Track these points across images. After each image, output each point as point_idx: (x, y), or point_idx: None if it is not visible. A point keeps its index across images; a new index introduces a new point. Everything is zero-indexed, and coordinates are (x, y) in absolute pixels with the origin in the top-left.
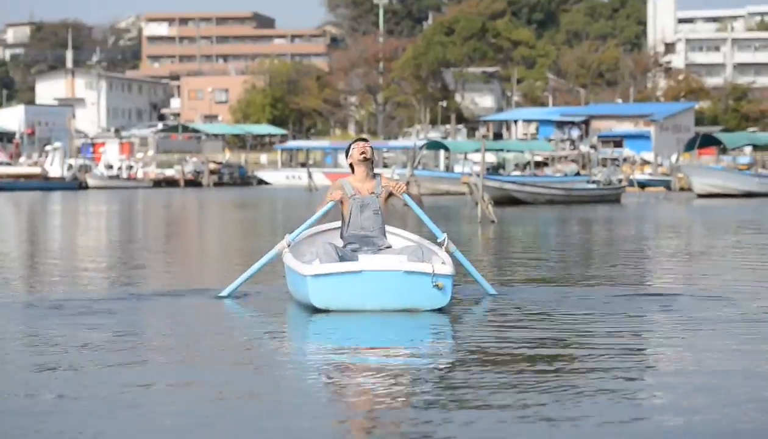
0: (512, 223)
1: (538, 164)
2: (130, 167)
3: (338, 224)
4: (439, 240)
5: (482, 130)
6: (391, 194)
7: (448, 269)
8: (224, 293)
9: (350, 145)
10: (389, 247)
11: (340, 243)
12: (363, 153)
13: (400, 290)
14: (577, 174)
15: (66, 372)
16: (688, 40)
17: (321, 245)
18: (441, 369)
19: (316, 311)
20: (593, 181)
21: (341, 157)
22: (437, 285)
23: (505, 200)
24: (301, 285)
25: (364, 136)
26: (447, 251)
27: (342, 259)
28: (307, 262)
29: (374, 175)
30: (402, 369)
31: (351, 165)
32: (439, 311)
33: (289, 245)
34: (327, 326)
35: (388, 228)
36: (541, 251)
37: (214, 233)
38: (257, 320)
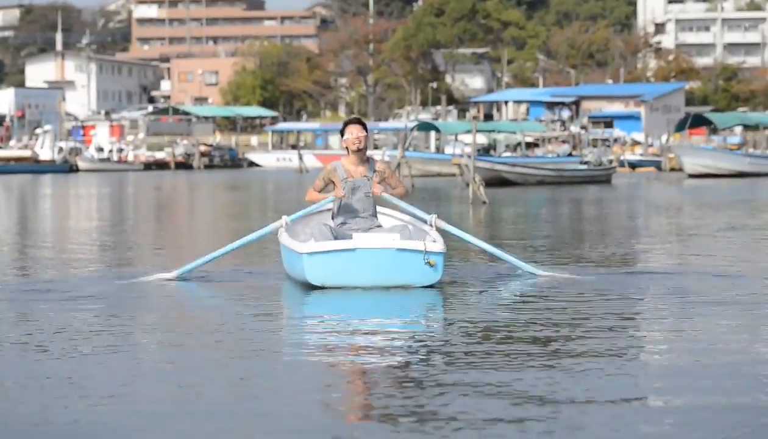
0: (503, 204)
1: (528, 145)
2: (121, 150)
3: (331, 205)
4: (429, 221)
5: (473, 112)
6: (383, 180)
7: (439, 246)
8: (207, 257)
9: (344, 126)
10: (379, 226)
11: (332, 223)
12: (357, 144)
13: (392, 267)
14: (570, 155)
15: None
16: (678, 21)
17: (316, 225)
18: (432, 346)
19: (311, 287)
20: (584, 162)
21: (332, 138)
22: (429, 262)
23: (495, 181)
24: (296, 263)
25: (358, 116)
26: (437, 227)
27: (336, 238)
28: (302, 241)
29: (367, 159)
30: (394, 347)
31: (347, 147)
32: (431, 287)
33: (285, 225)
34: (322, 302)
35: (379, 209)
36: (533, 231)
37: (206, 215)
38: (245, 299)
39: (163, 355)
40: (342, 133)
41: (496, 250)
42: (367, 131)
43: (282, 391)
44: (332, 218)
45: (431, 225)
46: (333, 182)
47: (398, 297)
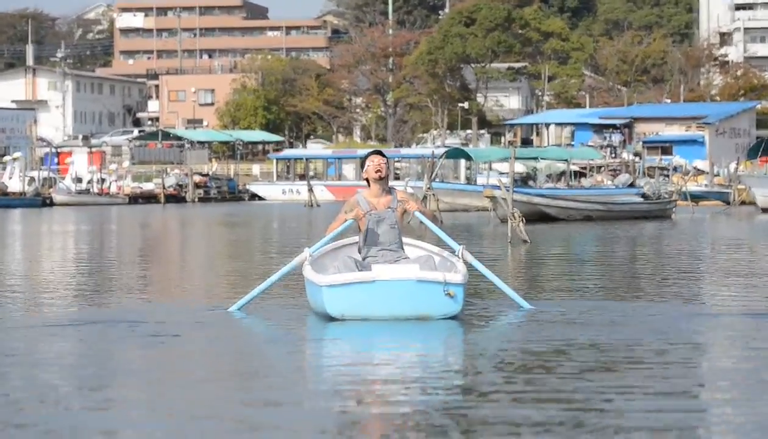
0: (546, 243)
1: (575, 175)
2: (102, 181)
3: (356, 238)
4: (456, 252)
5: (508, 136)
6: (405, 211)
7: (459, 277)
8: (235, 306)
9: (365, 158)
10: (407, 258)
11: (359, 257)
12: (378, 171)
13: (412, 299)
14: (631, 185)
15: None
16: (746, 30)
17: (342, 258)
18: (452, 381)
19: (331, 320)
20: (641, 195)
21: (346, 167)
22: (449, 293)
23: (534, 217)
24: (317, 295)
25: (379, 149)
26: (464, 261)
27: (361, 270)
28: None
29: (390, 190)
30: (413, 378)
31: (367, 179)
32: (452, 319)
33: (309, 257)
34: (342, 333)
35: (405, 240)
36: (583, 270)
37: (201, 255)
38: (272, 332)
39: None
40: (362, 166)
41: (516, 297)
42: (387, 161)
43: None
44: (359, 252)
45: (459, 256)
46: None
47: (418, 329)
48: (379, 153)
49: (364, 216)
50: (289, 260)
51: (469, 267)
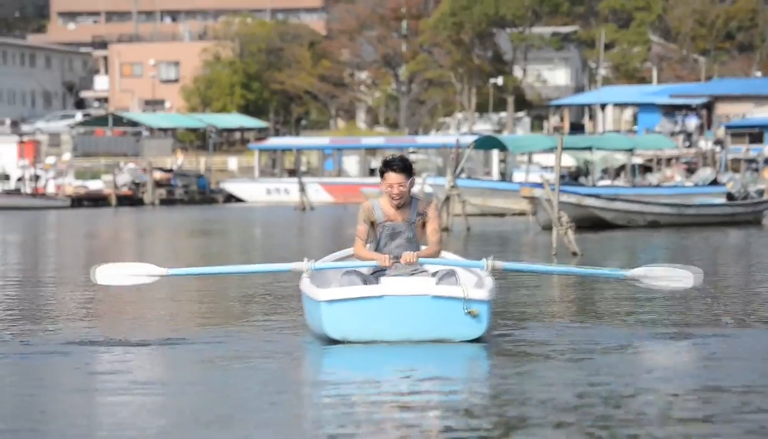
0: (601, 255)
1: (638, 169)
2: (36, 178)
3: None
4: (482, 266)
5: (554, 120)
6: (425, 224)
7: (484, 293)
8: (181, 271)
9: (383, 167)
10: (424, 271)
11: (367, 272)
12: (398, 199)
13: (427, 318)
14: (714, 182)
15: None
16: None
17: (347, 271)
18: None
19: (331, 342)
20: (729, 195)
21: (347, 160)
22: (471, 312)
23: (587, 222)
24: (315, 313)
25: (403, 156)
26: (494, 271)
27: (368, 284)
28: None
29: (410, 200)
30: (426, 417)
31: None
32: (475, 342)
33: (307, 271)
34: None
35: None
36: (648, 293)
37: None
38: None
39: None
40: (381, 173)
41: (578, 269)
42: (411, 176)
43: None
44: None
45: (486, 269)
46: (372, 226)
47: (434, 353)
48: (402, 166)
49: (392, 265)
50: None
51: (503, 276)
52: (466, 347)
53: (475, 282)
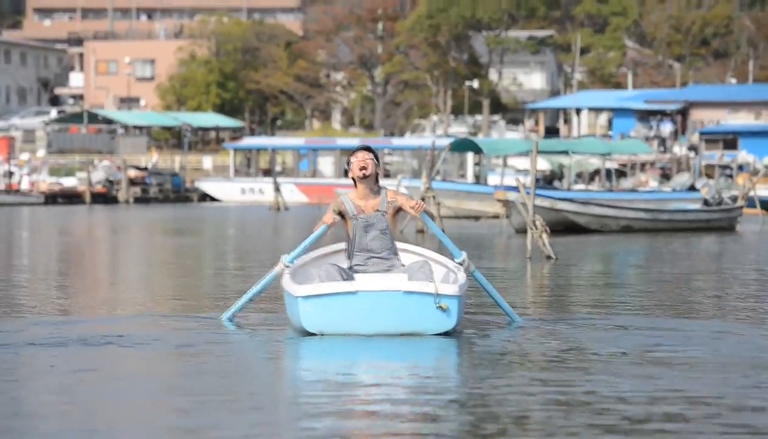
0: (576, 259)
1: (612, 173)
2: (10, 174)
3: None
4: (457, 260)
5: (529, 123)
6: (399, 210)
7: (453, 288)
8: (224, 317)
9: (350, 156)
10: (403, 266)
11: (347, 265)
12: (363, 168)
13: (399, 312)
14: (691, 188)
15: None
16: None
17: (325, 267)
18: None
19: (308, 335)
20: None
21: (322, 161)
22: (441, 306)
23: (560, 226)
24: (294, 308)
25: (365, 141)
26: (467, 272)
27: (345, 280)
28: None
29: (379, 190)
30: (394, 410)
31: (354, 179)
32: (445, 335)
33: (287, 267)
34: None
35: (400, 245)
36: (623, 290)
37: (136, 273)
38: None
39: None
40: (348, 165)
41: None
42: (376, 157)
43: None
44: (347, 258)
45: (462, 264)
46: (343, 216)
47: (405, 346)
48: (367, 148)
49: (333, 224)
50: (254, 279)
51: (470, 277)
52: (436, 339)
53: (447, 277)
